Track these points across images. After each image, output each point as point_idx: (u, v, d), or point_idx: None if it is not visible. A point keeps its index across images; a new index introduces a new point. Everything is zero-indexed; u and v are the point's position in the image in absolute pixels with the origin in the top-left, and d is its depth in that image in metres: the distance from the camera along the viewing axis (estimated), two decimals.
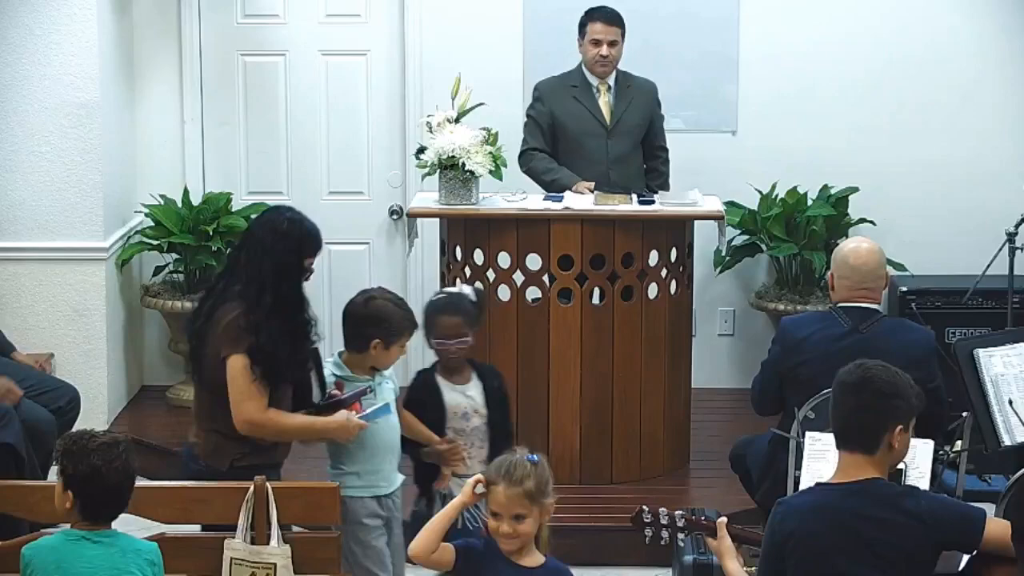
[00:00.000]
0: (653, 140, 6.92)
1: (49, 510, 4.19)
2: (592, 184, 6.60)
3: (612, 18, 6.75)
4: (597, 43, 6.74)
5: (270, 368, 4.71)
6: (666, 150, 6.95)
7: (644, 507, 4.28)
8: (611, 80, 6.82)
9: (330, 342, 5.27)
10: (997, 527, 3.90)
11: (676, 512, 4.23)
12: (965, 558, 4.04)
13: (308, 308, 4.86)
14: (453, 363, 5.06)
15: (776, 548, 3.90)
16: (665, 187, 6.81)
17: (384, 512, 4.94)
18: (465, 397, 5.07)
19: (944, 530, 3.87)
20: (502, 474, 3.98)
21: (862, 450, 3.89)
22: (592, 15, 6.78)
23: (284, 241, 4.78)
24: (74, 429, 5.95)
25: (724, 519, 4.19)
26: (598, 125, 6.79)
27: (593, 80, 6.81)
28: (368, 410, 4.83)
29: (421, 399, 5.07)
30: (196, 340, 4.85)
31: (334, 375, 4.94)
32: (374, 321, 4.88)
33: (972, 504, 4.04)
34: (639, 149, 6.89)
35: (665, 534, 4.24)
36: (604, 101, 6.81)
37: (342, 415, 4.78)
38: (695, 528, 4.23)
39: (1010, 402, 4.94)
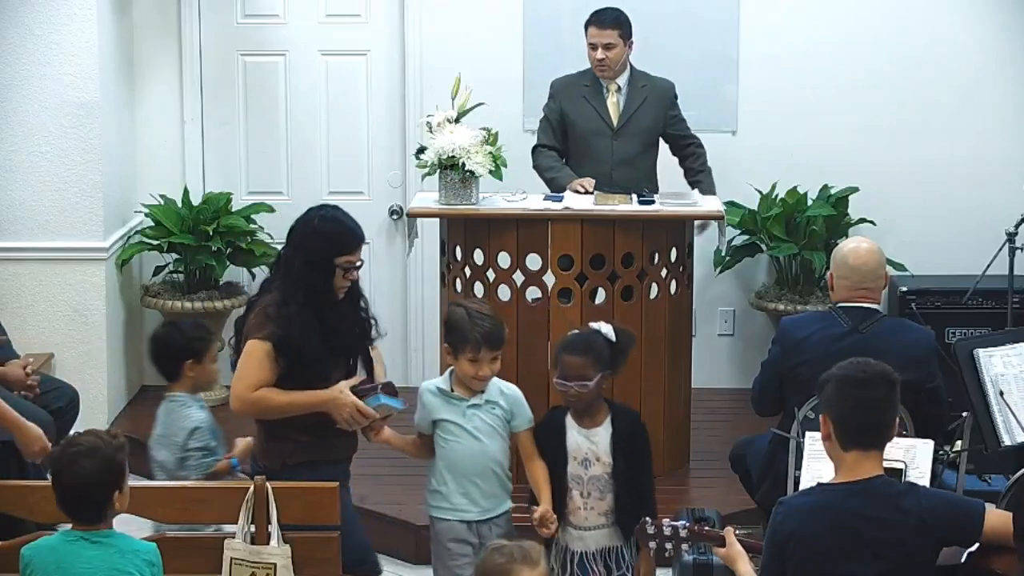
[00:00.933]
0: (676, 135, 6.87)
1: (50, 510, 4.19)
2: (589, 181, 6.58)
3: (605, 22, 6.71)
4: (594, 47, 6.73)
5: (297, 360, 4.69)
6: (695, 138, 6.87)
7: (647, 519, 4.27)
8: (623, 80, 6.80)
9: None
10: (998, 519, 3.90)
11: (679, 523, 4.24)
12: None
13: (359, 305, 4.86)
14: (576, 405, 4.78)
15: (777, 549, 3.90)
16: (705, 167, 6.76)
17: (475, 538, 4.79)
18: (589, 442, 4.79)
19: (945, 527, 3.87)
20: (519, 559, 3.62)
21: (875, 447, 3.88)
22: (589, 19, 6.77)
23: (314, 238, 4.77)
24: (73, 430, 5.99)
25: (731, 528, 4.19)
26: (604, 125, 6.78)
27: (604, 81, 6.81)
28: (378, 399, 4.76)
29: (545, 438, 4.82)
30: (238, 333, 4.89)
31: (437, 388, 4.84)
32: (447, 326, 4.84)
33: (972, 499, 4.03)
34: (649, 151, 6.85)
35: (669, 546, 4.24)
36: (612, 102, 6.80)
37: (336, 389, 4.72)
38: (699, 538, 4.23)
39: (1000, 393, 4.94)
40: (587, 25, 6.76)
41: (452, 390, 4.82)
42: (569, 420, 4.79)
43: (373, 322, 4.91)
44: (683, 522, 4.28)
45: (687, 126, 6.90)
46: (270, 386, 4.71)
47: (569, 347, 4.77)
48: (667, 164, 6.92)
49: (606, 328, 4.81)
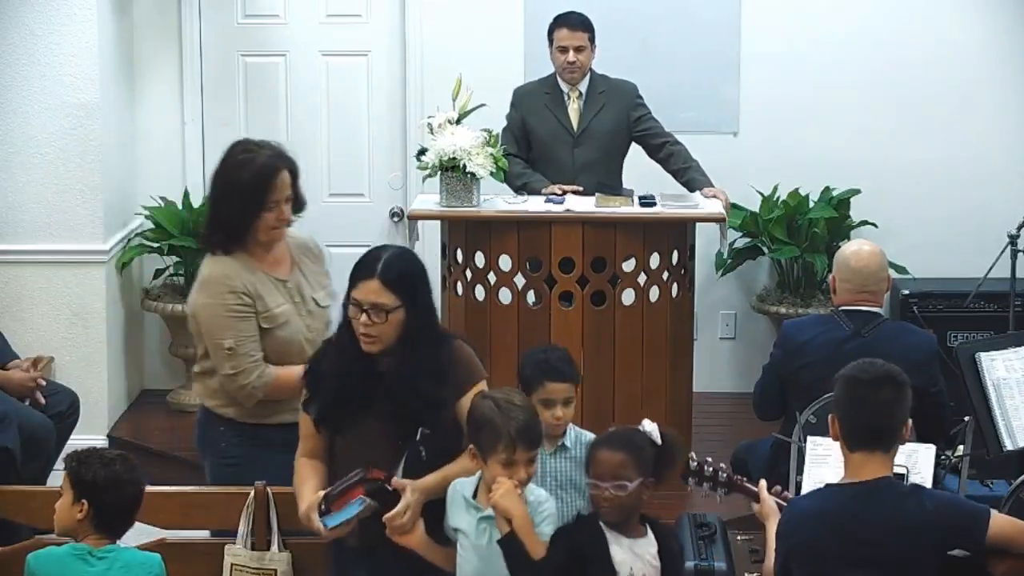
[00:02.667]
0: (647, 136, 6.78)
1: (49, 515, 4.18)
2: (567, 187, 6.57)
3: (577, 24, 6.69)
4: (564, 50, 6.71)
5: (315, 400, 4.23)
6: (668, 136, 6.75)
7: (692, 454, 4.30)
8: (583, 86, 6.78)
9: None
10: (1004, 524, 3.90)
11: (720, 465, 4.27)
12: None
13: (416, 380, 4.10)
14: (608, 513, 3.95)
15: (782, 550, 3.91)
16: (689, 162, 6.66)
17: None
18: (633, 555, 3.96)
19: (948, 531, 3.85)
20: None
21: (880, 448, 3.86)
22: (558, 21, 6.74)
23: None
24: (73, 435, 5.99)
25: (764, 482, 4.22)
26: (565, 132, 6.77)
27: (565, 87, 6.78)
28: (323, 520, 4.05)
29: (588, 552, 3.94)
30: None
31: (463, 494, 4.05)
32: (472, 423, 4.02)
33: (977, 503, 4.01)
34: (613, 155, 6.81)
35: (707, 486, 4.28)
36: (574, 108, 6.78)
37: (314, 497, 4.11)
38: (735, 488, 4.27)
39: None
40: (554, 28, 6.74)
41: (474, 496, 4.05)
42: (603, 525, 3.99)
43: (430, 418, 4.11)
44: (724, 465, 4.30)
45: (657, 124, 6.79)
46: (317, 441, 4.26)
47: (605, 441, 4.05)
48: (656, 165, 6.87)
49: (650, 427, 4.09)
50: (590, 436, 4.31)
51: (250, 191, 4.56)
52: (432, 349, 4.16)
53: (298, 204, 4.71)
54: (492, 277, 6.38)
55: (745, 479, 4.29)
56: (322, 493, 4.04)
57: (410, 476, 4.07)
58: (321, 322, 4.72)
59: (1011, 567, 3.87)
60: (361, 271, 4.12)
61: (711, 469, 4.27)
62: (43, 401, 5.98)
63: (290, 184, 4.63)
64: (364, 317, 4.07)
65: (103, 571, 3.94)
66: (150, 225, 7.39)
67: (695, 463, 4.27)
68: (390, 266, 4.10)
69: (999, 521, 3.90)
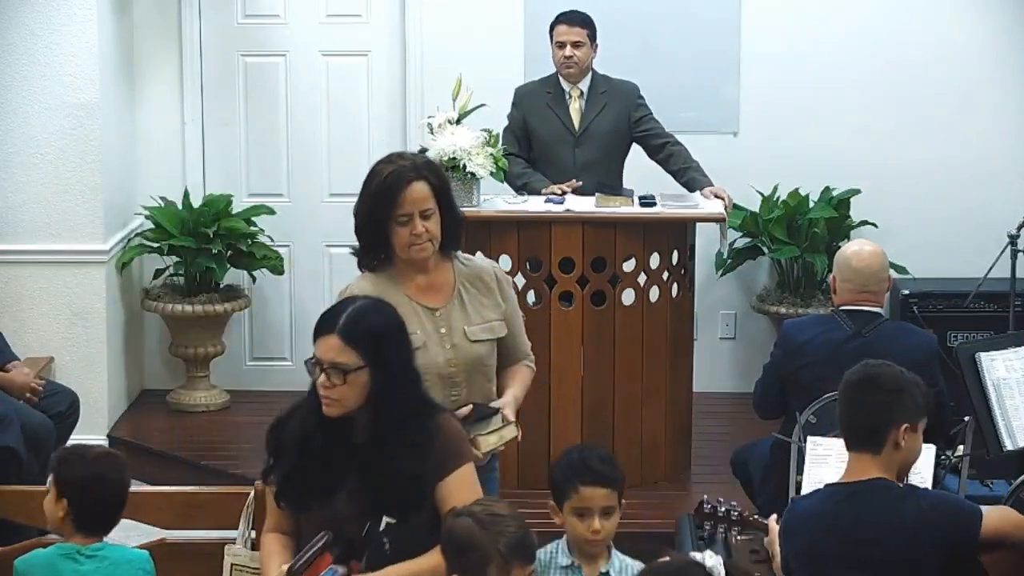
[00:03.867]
0: (647, 136, 6.77)
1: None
2: (569, 184, 6.57)
3: (575, 20, 6.72)
4: (561, 45, 6.72)
5: (275, 471, 3.85)
6: (669, 137, 6.74)
7: (705, 497, 4.35)
8: (584, 86, 6.79)
9: None
10: (995, 518, 3.92)
11: (732, 503, 4.31)
12: None
13: (372, 471, 3.66)
14: None
15: (783, 551, 3.94)
16: (690, 162, 6.66)
17: None
18: None
19: (945, 528, 3.85)
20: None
21: (868, 449, 3.87)
22: (557, 18, 6.77)
23: None
24: (73, 435, 6.00)
25: (774, 516, 4.25)
26: (567, 132, 6.77)
27: (567, 86, 6.79)
28: None
29: None
30: None
31: None
32: (451, 547, 3.47)
33: (970, 503, 4.02)
34: (614, 156, 6.81)
35: (722, 528, 4.31)
36: (575, 108, 6.78)
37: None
38: (748, 526, 4.29)
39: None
40: (554, 25, 6.76)
41: None
42: None
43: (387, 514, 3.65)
44: (735, 503, 4.35)
45: (658, 125, 6.78)
46: (284, 515, 3.89)
47: (650, 574, 3.44)
48: (656, 165, 6.86)
49: (712, 561, 3.60)
50: (636, 566, 3.90)
51: (376, 203, 4.11)
52: (412, 420, 3.68)
53: (450, 222, 4.20)
54: None
55: (756, 515, 4.33)
56: (285, 567, 3.59)
57: (371, 570, 3.63)
58: (466, 357, 4.23)
59: (1001, 557, 3.91)
60: (322, 325, 3.67)
61: (724, 510, 4.29)
62: (36, 401, 5.98)
63: (430, 198, 4.12)
64: (323, 377, 3.61)
65: (93, 570, 3.93)
66: (150, 225, 7.39)
67: (709, 506, 4.29)
68: (354, 321, 3.63)
69: (990, 516, 3.92)
